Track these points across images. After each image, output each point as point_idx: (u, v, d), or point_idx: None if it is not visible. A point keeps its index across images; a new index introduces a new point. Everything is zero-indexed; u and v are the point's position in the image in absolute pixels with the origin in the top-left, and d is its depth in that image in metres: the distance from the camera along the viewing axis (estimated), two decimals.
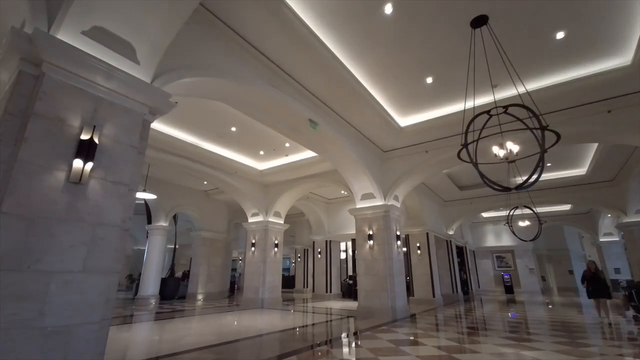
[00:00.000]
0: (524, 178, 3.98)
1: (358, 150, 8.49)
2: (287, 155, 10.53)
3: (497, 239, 21.62)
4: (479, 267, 21.54)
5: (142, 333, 6.70)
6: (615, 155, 10.26)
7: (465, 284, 17.71)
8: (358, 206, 9.50)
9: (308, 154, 10.19)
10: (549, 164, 12.32)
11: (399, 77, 6.48)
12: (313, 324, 7.75)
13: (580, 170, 12.30)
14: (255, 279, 11.39)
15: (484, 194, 14.56)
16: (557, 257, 23.45)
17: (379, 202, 9.17)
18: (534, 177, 4.14)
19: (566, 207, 18.39)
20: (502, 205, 14.48)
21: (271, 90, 5.64)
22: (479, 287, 20.84)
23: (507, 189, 4.39)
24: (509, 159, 5.28)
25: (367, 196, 9.35)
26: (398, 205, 9.61)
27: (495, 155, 5.56)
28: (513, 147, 5.28)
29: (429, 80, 6.59)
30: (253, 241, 11.94)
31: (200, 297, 13.89)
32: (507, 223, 10.62)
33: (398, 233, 9.27)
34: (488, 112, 4.51)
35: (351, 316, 9.00)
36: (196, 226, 15.11)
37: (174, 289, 14.11)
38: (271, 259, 11.70)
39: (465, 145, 4.44)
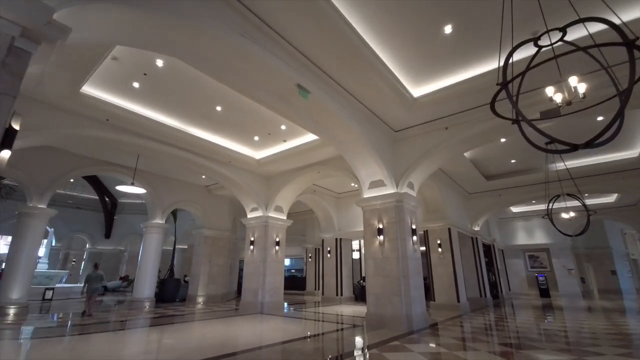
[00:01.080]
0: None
1: (363, 128, 7.14)
2: (284, 141, 9.30)
3: (530, 236, 19.52)
4: (509, 268, 19.51)
5: (100, 345, 5.64)
6: None
7: (494, 286, 15.86)
8: (365, 196, 8.13)
9: (307, 137, 8.93)
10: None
11: (409, 27, 5.08)
12: (308, 337, 6.45)
13: (631, 153, 10.39)
14: (254, 281, 10.23)
15: (514, 184, 12.77)
16: (598, 256, 21.02)
17: (390, 190, 7.77)
18: (613, 128, 2.70)
19: (610, 198, 16.18)
20: (537, 196, 12.68)
21: (240, 40, 4.41)
22: (509, 289, 18.84)
23: (574, 147, 2.88)
24: (572, 102, 3.70)
25: (376, 184, 7.97)
26: (413, 194, 8.17)
27: (551, 99, 3.98)
28: (578, 84, 3.67)
29: (448, 29, 5.16)
30: (252, 239, 10.79)
31: (200, 299, 12.90)
32: (547, 215, 8.94)
33: (414, 227, 7.84)
34: (536, 40, 3.07)
35: (359, 325, 7.64)
36: (198, 223, 14.18)
37: (173, 291, 13.21)
38: (272, 259, 10.51)
39: (504, 84, 2.97)
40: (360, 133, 6.97)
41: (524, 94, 5.47)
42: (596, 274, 21.26)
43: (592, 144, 2.79)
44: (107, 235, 23.76)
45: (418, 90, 6.82)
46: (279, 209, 11.15)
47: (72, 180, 15.45)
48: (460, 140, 7.34)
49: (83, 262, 23.82)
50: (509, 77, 3.04)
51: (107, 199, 22.00)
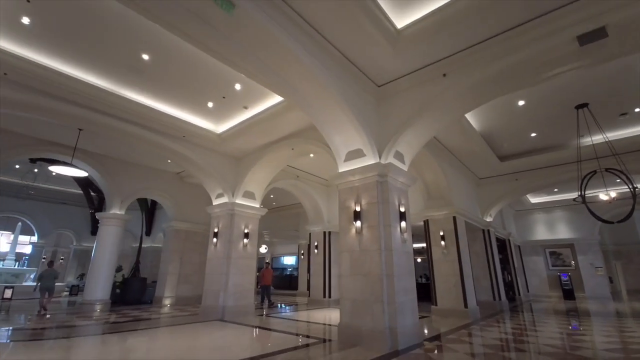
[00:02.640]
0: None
1: (336, 79, 5.30)
2: (245, 108, 7.50)
3: (551, 230, 17.23)
4: (527, 266, 17.27)
5: None
6: None
7: (510, 287, 13.73)
8: (341, 170, 6.27)
9: (271, 100, 7.11)
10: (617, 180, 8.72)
11: None
12: (253, 359, 4.63)
13: None
14: (216, 281, 8.47)
15: (534, 165, 10.67)
16: (627, 252, 18.57)
17: (370, 160, 5.89)
18: None
19: None
20: (563, 180, 10.55)
21: None
22: (527, 291, 16.62)
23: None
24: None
25: (354, 155, 6.10)
26: (403, 168, 6.26)
27: None
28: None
29: None
30: (215, 230, 9.05)
31: (168, 302, 11.26)
32: (580, 195, 6.90)
33: (403, 210, 5.93)
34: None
35: (330, 340, 5.79)
36: (169, 215, 12.56)
37: (137, 292, 11.59)
38: (238, 254, 8.74)
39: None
40: (325, 78, 5.11)
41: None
42: (625, 272, 18.81)
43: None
44: (94, 232, 22.50)
45: (402, 18, 4.92)
46: (249, 195, 9.37)
47: (33, 169, 14.07)
48: (465, 90, 5.39)
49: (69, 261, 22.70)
50: None
51: (92, 193, 20.73)
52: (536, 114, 8.01)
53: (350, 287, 5.56)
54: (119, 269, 12.61)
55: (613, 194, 7.16)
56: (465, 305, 8.34)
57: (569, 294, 15.33)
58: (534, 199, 16.69)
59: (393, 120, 6.07)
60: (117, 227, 10.75)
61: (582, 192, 6.94)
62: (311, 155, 9.37)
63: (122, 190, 10.90)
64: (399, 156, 6.18)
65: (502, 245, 14.40)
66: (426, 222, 9.60)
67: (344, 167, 6.21)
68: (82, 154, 9.97)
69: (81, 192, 20.13)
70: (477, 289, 10.98)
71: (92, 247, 21.81)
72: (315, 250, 12.34)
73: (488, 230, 11.68)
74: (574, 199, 7.54)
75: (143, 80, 6.55)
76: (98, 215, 10.75)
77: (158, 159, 10.70)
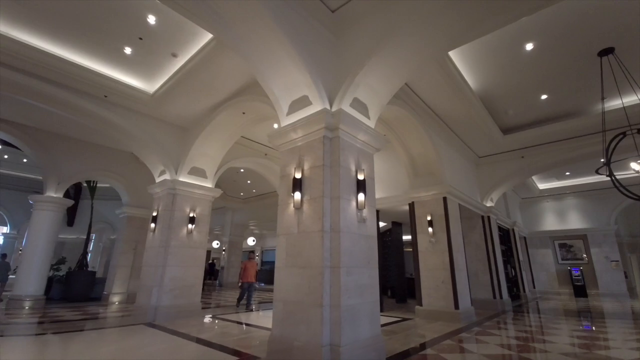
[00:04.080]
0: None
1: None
2: (175, 56, 5.88)
3: (561, 220, 15.45)
4: (534, 260, 15.56)
5: None
6: None
7: (514, 283, 12.06)
8: (283, 124, 4.64)
9: (202, 39, 5.48)
10: None
11: None
12: None
13: None
14: (151, 275, 6.94)
15: (544, 139, 8.94)
16: None
17: (317, 106, 4.24)
18: None
19: None
20: (580, 156, 8.80)
21: None
22: (533, 287, 14.94)
23: None
24: None
25: (299, 104, 4.46)
26: (365, 121, 4.59)
27: None
28: None
29: None
30: (154, 214, 7.49)
31: (117, 298, 9.79)
32: (605, 164, 5.21)
33: (362, 177, 4.27)
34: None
35: (257, 358, 4.22)
36: (122, 201, 11.06)
37: (83, 287, 10.13)
38: (180, 243, 7.18)
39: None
40: (266, 7, 3.48)
41: None
42: None
43: None
44: (70, 222, 21.21)
45: None
46: (198, 173, 7.78)
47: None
48: (440, 9, 3.70)
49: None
50: None
51: None
52: (548, 64, 6.27)
53: (285, 284, 3.95)
54: (61, 261, 11.18)
55: None
56: (456, 306, 6.71)
57: (580, 291, 13.62)
58: (542, 185, 14.92)
59: (349, 56, 4.41)
60: (54, 213, 9.26)
61: (609, 158, 5.23)
62: (275, 125, 7.75)
63: (60, 169, 9.39)
64: (360, 106, 4.53)
65: (506, 235, 12.71)
66: (411, 206, 7.95)
67: (286, 121, 4.58)
68: (6, 125, 8.47)
69: None
70: (475, 286, 9.36)
71: (69, 238, 20.58)
72: None
73: (488, 217, 10.00)
74: (597, 170, 5.81)
75: (34, 15, 4.94)
76: (30, 197, 9.26)
77: (107, 135, 9.15)
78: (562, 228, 15.23)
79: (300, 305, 3.67)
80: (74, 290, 9.89)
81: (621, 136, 5.44)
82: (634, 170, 5.60)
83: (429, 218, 7.45)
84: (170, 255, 6.95)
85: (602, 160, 5.45)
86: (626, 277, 15.72)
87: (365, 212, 4.25)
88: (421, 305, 7.21)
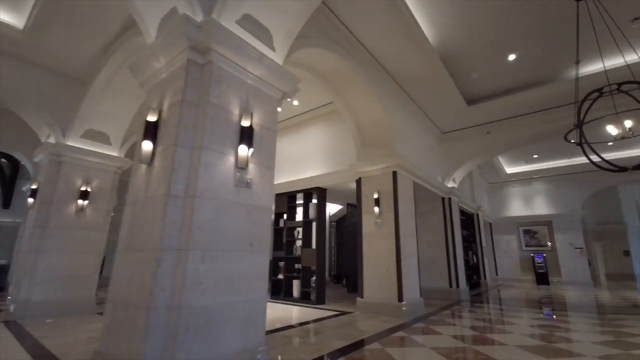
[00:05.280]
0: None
1: None
2: None
3: (528, 205, 14.96)
4: (498, 246, 15.08)
5: None
6: None
7: (475, 271, 11.38)
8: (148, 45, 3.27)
9: None
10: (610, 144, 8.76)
11: None
12: None
13: None
14: (22, 262, 5.48)
15: (511, 112, 8.01)
16: (610, 233, 16.73)
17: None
18: None
19: None
20: (550, 131, 7.91)
21: None
22: (496, 274, 14.47)
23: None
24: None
25: (169, 23, 3.09)
26: (269, 53, 3.30)
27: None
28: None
29: None
30: (34, 186, 5.96)
31: None
32: (576, 125, 4.21)
33: (247, 124, 2.99)
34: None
35: None
36: (31, 175, 9.34)
37: None
38: (64, 222, 5.71)
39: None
40: None
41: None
42: (605, 255, 17.02)
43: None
44: (6, 205, 18.93)
45: None
46: (96, 137, 6.26)
47: None
48: None
49: None
50: None
51: (3, 159, 17.09)
52: (517, 11, 5.19)
53: (118, 276, 2.68)
54: None
55: (629, 124, 4.46)
56: (400, 298, 5.69)
57: (542, 278, 13.23)
58: (510, 169, 14.29)
59: None
60: None
61: (581, 120, 4.22)
62: None
63: None
64: (257, 29, 3.21)
65: (470, 220, 11.96)
66: (359, 182, 6.82)
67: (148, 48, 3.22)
68: None
69: None
70: (432, 273, 8.49)
71: (5, 222, 18.35)
72: None
73: (449, 199, 9.08)
74: (566, 136, 4.81)
75: None
76: None
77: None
78: (528, 214, 14.75)
79: (128, 308, 2.42)
80: None
81: (597, 94, 4.46)
82: (611, 135, 4.64)
83: (375, 196, 6.35)
84: (48, 238, 5.49)
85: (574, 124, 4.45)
86: (590, 265, 15.62)
87: (252, 173, 3.01)
88: (362, 297, 6.16)
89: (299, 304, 7.22)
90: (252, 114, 3.03)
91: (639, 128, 4.69)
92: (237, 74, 3.04)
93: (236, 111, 2.97)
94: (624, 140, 10.45)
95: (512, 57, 6.39)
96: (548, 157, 12.70)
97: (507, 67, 6.71)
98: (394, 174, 6.32)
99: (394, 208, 6.13)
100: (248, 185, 2.94)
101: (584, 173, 13.33)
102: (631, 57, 5.58)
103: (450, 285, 8.35)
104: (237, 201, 2.83)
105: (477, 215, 12.35)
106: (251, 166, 3.02)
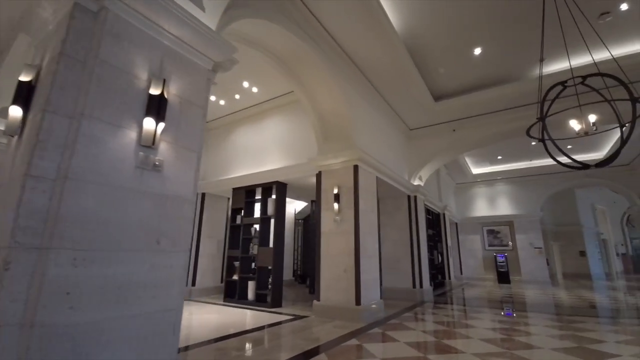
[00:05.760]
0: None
1: None
2: None
3: (492, 206, 15.22)
4: (463, 246, 15.24)
5: None
6: None
7: (440, 270, 11.31)
8: None
9: None
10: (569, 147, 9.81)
11: None
12: None
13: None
14: None
15: (477, 111, 7.87)
16: (567, 234, 17.45)
17: None
18: None
19: (600, 154, 11.96)
20: (515, 128, 7.84)
21: None
22: (461, 273, 14.61)
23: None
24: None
25: None
26: (195, 12, 2.71)
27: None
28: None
29: None
30: None
31: None
32: (539, 119, 3.97)
33: (156, 92, 2.39)
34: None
35: None
36: None
37: None
38: None
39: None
40: None
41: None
42: (563, 255, 17.73)
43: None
44: None
45: None
46: None
47: None
48: None
49: None
50: None
51: None
52: (483, 3, 4.92)
53: None
54: None
55: (593, 118, 4.29)
56: (358, 301, 5.29)
57: (504, 277, 13.45)
58: (476, 170, 14.44)
59: None
60: None
61: (544, 114, 3.98)
62: None
63: None
64: None
65: (436, 219, 11.89)
66: (319, 176, 6.35)
67: None
68: None
69: None
70: (395, 273, 8.22)
71: None
72: None
73: (415, 198, 8.84)
74: (528, 131, 4.57)
75: None
76: None
77: None
78: (491, 214, 15.00)
79: None
80: None
81: (560, 87, 4.24)
82: (574, 131, 4.45)
83: (335, 191, 5.91)
84: None
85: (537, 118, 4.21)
86: (548, 264, 16.16)
87: (165, 154, 2.42)
88: (319, 299, 5.70)
89: (253, 307, 6.65)
90: (165, 80, 2.45)
91: (603, 125, 4.55)
92: (147, 31, 2.44)
93: (143, 76, 2.37)
94: (585, 141, 10.76)
95: (477, 51, 6.17)
96: (511, 158, 12.91)
97: (473, 62, 6.49)
98: (355, 167, 5.91)
99: (354, 204, 5.71)
100: (157, 168, 2.36)
101: (544, 175, 13.72)
102: (598, 56, 5.48)
103: (414, 286, 8.11)
104: (139, 188, 2.24)
105: (444, 214, 12.31)
106: (164, 146, 2.44)
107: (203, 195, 8.67)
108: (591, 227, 18.18)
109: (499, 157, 12.83)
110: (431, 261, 10.10)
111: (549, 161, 13.02)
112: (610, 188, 13.83)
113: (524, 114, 7.37)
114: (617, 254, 22.22)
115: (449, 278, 11.56)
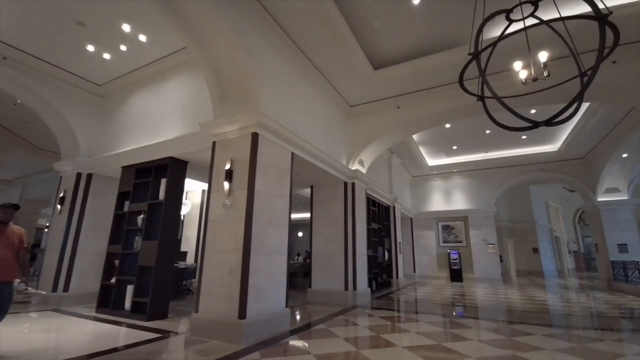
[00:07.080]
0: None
1: None
2: None
3: (447, 200, 14.44)
4: (418, 242, 14.36)
5: None
6: None
7: (386, 269, 10.21)
8: None
9: None
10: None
11: None
12: None
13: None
14: None
15: (422, 85, 6.73)
16: (521, 231, 17.21)
17: None
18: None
19: (554, 147, 11.41)
20: (463, 105, 6.76)
21: None
22: (414, 271, 13.71)
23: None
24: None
25: None
26: None
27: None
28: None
29: None
30: None
31: None
32: (473, 56, 2.83)
33: None
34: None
35: None
36: None
37: None
38: None
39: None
40: None
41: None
42: (517, 252, 17.47)
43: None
44: None
45: None
46: None
47: None
48: None
49: None
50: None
51: None
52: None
53: None
54: None
55: (545, 56, 3.14)
56: (242, 314, 3.88)
57: (456, 275, 12.68)
58: (432, 161, 13.56)
59: None
60: None
61: (477, 47, 2.78)
62: None
63: None
64: None
65: (385, 213, 10.79)
66: (213, 149, 4.87)
67: None
68: None
69: None
70: (327, 273, 6.97)
71: None
72: (59, 207, 6.81)
73: (353, 185, 7.60)
74: (461, 78, 3.37)
75: None
76: None
77: None
78: (447, 209, 14.22)
79: None
80: None
81: (503, 14, 3.06)
82: (520, 74, 3.27)
83: (227, 166, 4.46)
84: None
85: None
86: (502, 261, 15.73)
87: None
88: (197, 310, 4.23)
89: (126, 319, 5.06)
90: None
91: (556, 72, 3.45)
92: None
93: None
94: (539, 133, 10.05)
95: (416, 1, 4.95)
96: (466, 149, 12.11)
97: (413, 14, 5.28)
98: (255, 136, 4.48)
99: (247, 183, 4.29)
100: None
101: (499, 168, 13.11)
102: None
103: (347, 288, 6.86)
104: None
105: (394, 207, 11.25)
106: None
107: (89, 176, 6.87)
108: (544, 224, 18.10)
109: (454, 147, 11.97)
110: (374, 259, 8.95)
111: (504, 153, 12.38)
112: (564, 184, 13.48)
113: (474, 87, 6.30)
114: (569, 252, 22.59)
115: (397, 277, 10.50)
